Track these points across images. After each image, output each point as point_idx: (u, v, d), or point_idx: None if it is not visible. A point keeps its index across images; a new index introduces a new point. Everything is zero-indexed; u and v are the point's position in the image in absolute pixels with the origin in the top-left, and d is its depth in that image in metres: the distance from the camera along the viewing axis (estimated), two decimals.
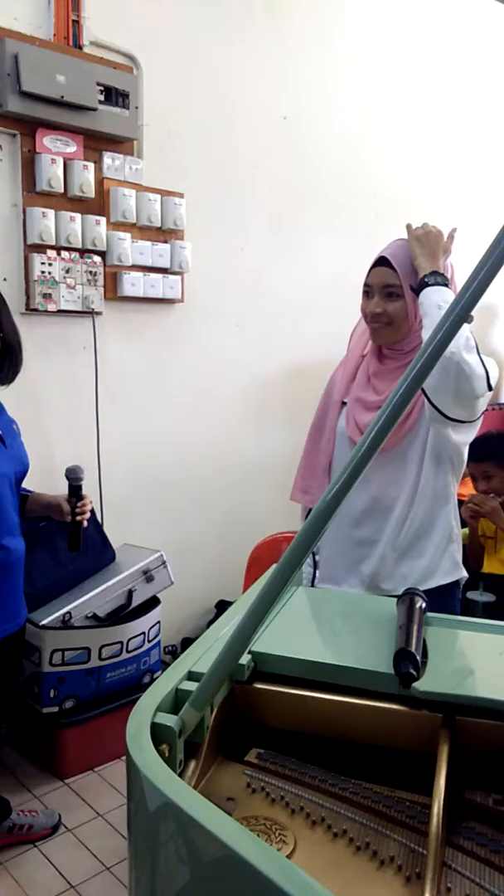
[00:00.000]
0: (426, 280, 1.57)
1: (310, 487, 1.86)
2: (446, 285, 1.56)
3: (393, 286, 1.63)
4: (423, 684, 0.97)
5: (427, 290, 1.55)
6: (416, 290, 1.59)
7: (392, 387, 1.63)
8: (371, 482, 1.69)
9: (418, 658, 0.99)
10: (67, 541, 2.08)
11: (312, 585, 1.84)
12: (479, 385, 1.51)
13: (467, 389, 1.50)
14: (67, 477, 2.04)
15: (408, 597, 1.14)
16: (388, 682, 0.99)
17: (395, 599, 1.19)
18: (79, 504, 2.02)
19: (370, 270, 1.68)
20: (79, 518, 2.02)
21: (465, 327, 1.49)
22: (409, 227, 1.66)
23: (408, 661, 0.98)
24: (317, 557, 1.85)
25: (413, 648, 1.00)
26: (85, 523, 2.05)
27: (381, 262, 1.65)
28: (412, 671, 0.97)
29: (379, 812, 0.92)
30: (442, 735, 0.96)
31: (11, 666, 2.05)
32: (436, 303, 1.53)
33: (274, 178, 3.25)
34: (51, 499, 2.06)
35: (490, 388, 1.55)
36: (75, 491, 2.03)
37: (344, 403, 1.77)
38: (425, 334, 1.56)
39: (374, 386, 1.72)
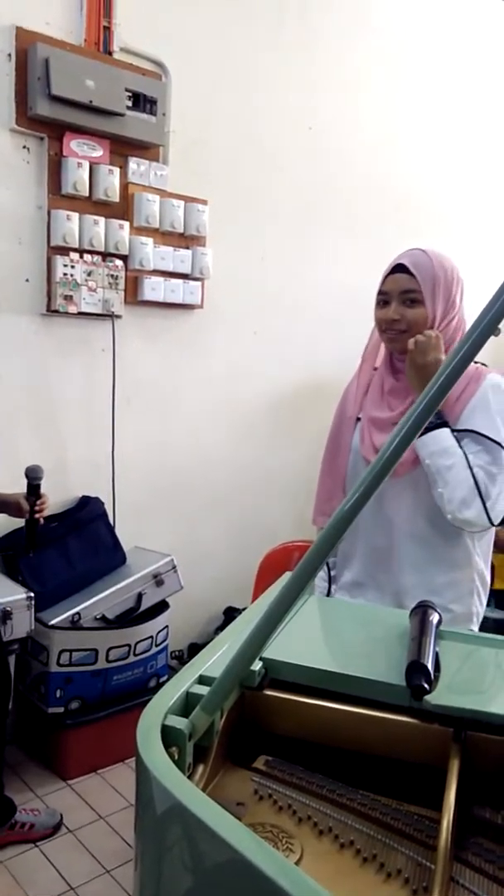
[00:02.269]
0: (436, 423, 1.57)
1: (329, 511, 1.80)
2: (445, 424, 1.57)
3: (413, 292, 1.60)
4: (435, 698, 0.97)
5: (434, 434, 1.56)
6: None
7: (406, 404, 1.65)
8: (385, 503, 1.68)
9: (431, 671, 0.98)
10: (24, 539, 2.17)
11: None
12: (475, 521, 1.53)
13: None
14: (27, 476, 2.11)
15: (421, 609, 1.14)
16: (400, 695, 0.99)
17: (407, 612, 1.18)
18: (37, 503, 2.11)
19: (385, 278, 1.65)
20: (36, 516, 2.11)
21: (467, 477, 1.52)
22: (416, 342, 1.59)
23: (420, 674, 0.97)
24: (332, 572, 1.84)
25: (426, 661, 0.99)
26: (41, 521, 2.15)
27: (399, 268, 1.63)
28: (424, 684, 0.96)
29: (387, 824, 0.91)
30: (452, 749, 0.95)
31: None
32: (444, 448, 1.55)
33: (297, 188, 3.27)
34: (8, 496, 2.12)
35: (492, 523, 1.54)
36: (34, 490, 2.11)
37: (358, 419, 1.75)
38: (438, 473, 1.56)
39: (389, 402, 1.69)
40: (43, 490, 2.14)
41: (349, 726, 1.03)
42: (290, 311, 3.35)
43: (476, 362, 1.60)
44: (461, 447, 1.56)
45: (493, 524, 1.55)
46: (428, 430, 1.56)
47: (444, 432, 1.56)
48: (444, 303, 1.60)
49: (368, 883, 0.84)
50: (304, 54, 3.20)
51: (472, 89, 3.91)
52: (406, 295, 1.61)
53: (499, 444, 1.54)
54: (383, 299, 1.65)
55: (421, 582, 1.63)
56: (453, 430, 1.58)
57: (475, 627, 1.71)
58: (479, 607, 1.71)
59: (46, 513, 2.17)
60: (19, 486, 2.13)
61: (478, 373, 1.61)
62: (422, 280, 1.59)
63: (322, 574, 1.85)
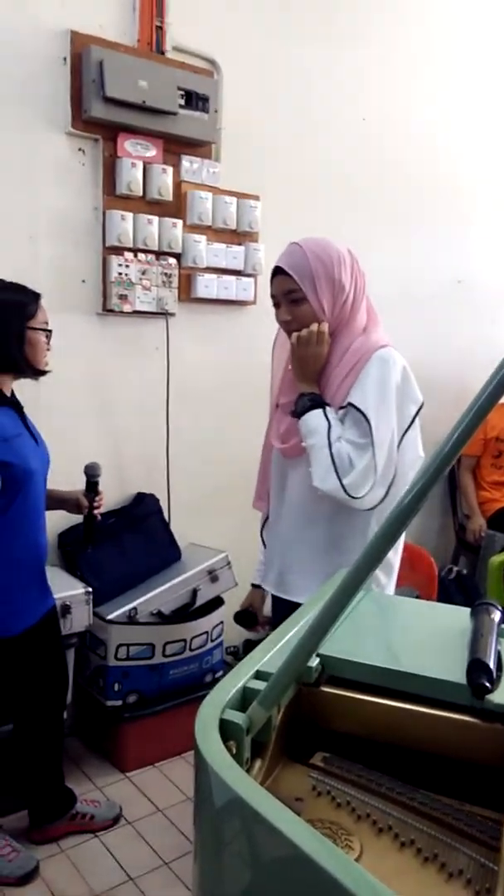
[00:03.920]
0: (302, 404, 1.66)
1: (263, 494, 1.95)
2: (321, 405, 1.64)
3: (294, 291, 1.66)
4: (498, 697, 0.95)
5: (305, 418, 1.65)
6: (294, 413, 1.68)
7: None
8: (287, 485, 1.80)
9: (493, 670, 0.96)
10: (82, 533, 2.20)
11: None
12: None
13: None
14: (86, 473, 2.14)
15: (483, 607, 1.11)
16: (460, 693, 0.97)
17: (468, 609, 1.16)
18: (95, 499, 2.14)
19: (271, 281, 1.72)
20: (94, 513, 2.14)
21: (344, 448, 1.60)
22: (298, 337, 1.67)
23: (482, 673, 0.95)
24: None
25: (488, 660, 0.97)
26: (99, 517, 2.18)
27: (279, 270, 1.69)
28: (486, 683, 0.94)
29: (448, 824, 0.90)
30: None
31: (55, 650, 2.13)
32: (311, 429, 1.63)
33: (350, 181, 3.23)
34: (66, 494, 2.16)
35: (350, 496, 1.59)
36: (93, 486, 2.14)
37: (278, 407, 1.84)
38: (310, 453, 1.64)
39: (292, 388, 1.75)
40: (100, 487, 2.17)
41: (407, 725, 1.01)
42: None
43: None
44: (343, 424, 1.63)
45: (352, 496, 1.59)
46: (303, 412, 1.65)
47: (313, 413, 1.64)
48: (329, 291, 1.65)
49: (430, 882, 0.82)
50: (355, 45, 3.17)
51: None
52: (290, 295, 1.67)
53: (364, 415, 1.59)
54: (275, 302, 1.74)
55: (308, 559, 1.74)
56: (340, 408, 1.65)
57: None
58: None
59: (103, 509, 2.20)
60: (78, 483, 2.16)
61: (368, 350, 1.65)
62: (299, 278, 1.65)
63: (261, 557, 2.00)
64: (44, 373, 1.97)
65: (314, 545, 1.74)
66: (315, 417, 1.63)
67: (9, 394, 1.96)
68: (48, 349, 1.96)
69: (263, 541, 1.99)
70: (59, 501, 2.15)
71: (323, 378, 1.69)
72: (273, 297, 1.73)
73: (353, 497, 1.59)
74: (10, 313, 1.87)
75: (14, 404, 1.97)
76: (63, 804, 2.24)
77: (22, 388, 2.03)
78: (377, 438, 1.58)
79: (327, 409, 1.64)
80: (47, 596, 2.09)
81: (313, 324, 1.65)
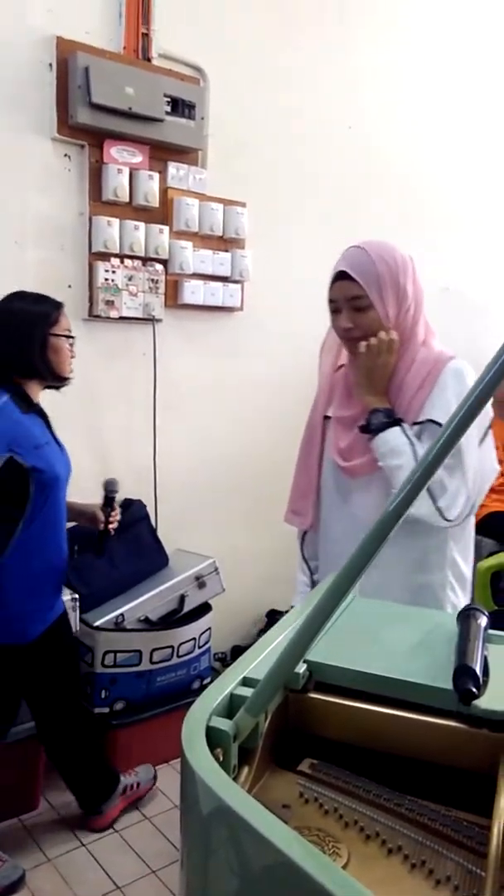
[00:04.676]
0: (377, 420, 1.56)
1: (301, 509, 1.81)
2: (398, 422, 1.55)
3: (360, 298, 1.55)
4: (485, 702, 0.95)
5: (382, 436, 1.54)
6: (367, 430, 1.57)
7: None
8: (352, 504, 1.66)
9: (479, 675, 0.96)
10: (94, 546, 2.24)
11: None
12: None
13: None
14: (105, 488, 2.16)
15: (469, 612, 1.12)
16: (447, 699, 0.97)
17: (454, 614, 1.16)
18: (111, 514, 2.16)
19: (332, 285, 1.61)
20: (109, 527, 2.17)
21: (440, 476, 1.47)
22: (368, 346, 1.58)
23: (468, 678, 0.95)
24: (314, 576, 1.84)
25: (474, 665, 0.97)
26: (112, 532, 2.20)
27: (342, 275, 1.57)
28: (473, 688, 0.94)
29: (435, 830, 0.90)
30: (503, 756, 0.93)
31: (68, 649, 2.18)
32: (392, 448, 1.53)
33: (337, 188, 3.25)
34: (83, 507, 2.18)
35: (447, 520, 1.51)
36: (110, 501, 2.17)
37: (327, 418, 1.73)
38: (391, 475, 1.54)
39: (353, 400, 1.67)
40: (87, 493, 2.17)
41: (395, 730, 1.01)
42: None
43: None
44: (420, 440, 1.53)
45: (448, 520, 1.51)
46: (379, 430, 1.55)
47: (393, 432, 1.53)
48: (394, 297, 1.56)
49: (417, 889, 0.82)
50: (342, 53, 3.19)
51: None
52: (354, 302, 1.56)
53: None
54: (334, 307, 1.62)
55: (386, 582, 1.56)
56: (414, 423, 1.55)
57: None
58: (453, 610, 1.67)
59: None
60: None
61: (439, 361, 1.57)
62: (366, 284, 1.54)
63: (304, 578, 1.86)
64: (67, 380, 2.03)
65: (394, 566, 1.59)
66: (395, 436, 1.53)
67: (36, 402, 2.01)
68: (72, 356, 2.01)
69: (305, 559, 1.87)
70: (77, 514, 2.17)
71: (391, 391, 1.60)
72: (332, 302, 1.61)
73: (448, 520, 1.51)
74: (32, 322, 1.93)
75: (40, 412, 2.02)
76: (111, 782, 2.32)
77: None
78: (467, 457, 1.50)
79: (404, 425, 1.55)
80: (60, 598, 2.15)
81: (382, 332, 1.55)
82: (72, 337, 2.01)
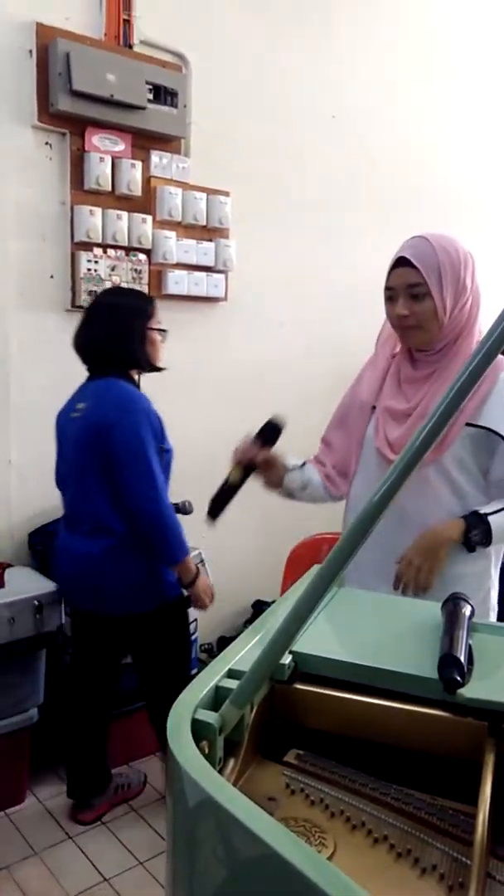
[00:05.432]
0: (477, 537, 1.56)
1: (338, 476, 1.85)
2: (482, 519, 1.55)
3: (418, 285, 1.55)
4: (469, 691, 0.95)
5: (495, 534, 1.55)
6: (477, 545, 1.57)
7: (423, 393, 1.61)
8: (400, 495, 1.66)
9: (464, 664, 0.96)
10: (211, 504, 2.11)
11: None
12: None
13: None
14: (269, 424, 2.05)
15: (453, 601, 1.12)
16: (433, 688, 0.97)
17: (439, 604, 1.16)
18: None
19: (390, 272, 1.61)
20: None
21: None
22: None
23: (453, 667, 0.95)
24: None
25: (459, 654, 0.97)
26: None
27: (402, 262, 1.57)
28: (457, 677, 0.94)
29: (421, 819, 0.90)
30: (488, 744, 0.94)
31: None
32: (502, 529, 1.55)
33: (321, 177, 3.24)
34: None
35: None
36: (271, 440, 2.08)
37: (373, 408, 1.72)
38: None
39: (405, 393, 1.66)
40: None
41: (381, 720, 1.01)
42: (315, 303, 3.32)
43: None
44: (473, 444, 1.54)
45: None
46: (487, 536, 1.55)
47: (494, 521, 1.54)
48: (453, 290, 1.55)
49: (403, 878, 0.83)
50: (326, 42, 3.17)
51: (496, 75, 3.84)
52: (412, 289, 1.56)
53: None
54: (390, 295, 1.61)
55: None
56: (469, 424, 1.55)
57: (493, 617, 1.68)
58: (494, 600, 1.68)
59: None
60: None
61: (496, 366, 1.55)
62: (426, 272, 1.54)
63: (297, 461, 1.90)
64: (160, 369, 2.19)
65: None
66: (497, 523, 1.55)
67: None
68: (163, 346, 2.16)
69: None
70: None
71: (440, 396, 1.63)
72: (389, 289, 1.61)
73: None
74: (132, 316, 2.11)
75: None
76: (105, 778, 2.36)
77: None
78: None
79: (483, 511, 1.57)
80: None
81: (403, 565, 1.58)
82: (164, 330, 2.17)
